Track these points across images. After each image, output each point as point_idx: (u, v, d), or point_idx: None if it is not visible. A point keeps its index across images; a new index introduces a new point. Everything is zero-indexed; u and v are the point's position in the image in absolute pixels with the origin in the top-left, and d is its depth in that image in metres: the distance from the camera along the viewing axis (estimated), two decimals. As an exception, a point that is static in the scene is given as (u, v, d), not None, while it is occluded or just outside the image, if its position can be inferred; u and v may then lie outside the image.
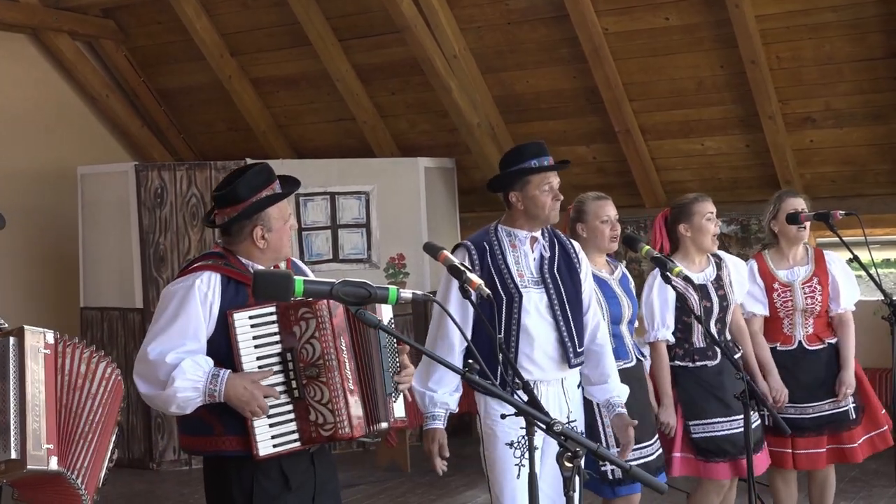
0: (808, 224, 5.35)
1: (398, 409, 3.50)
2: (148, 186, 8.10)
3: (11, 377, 2.90)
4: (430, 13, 8.01)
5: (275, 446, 3.33)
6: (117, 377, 3.18)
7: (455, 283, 3.77)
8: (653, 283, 5.01)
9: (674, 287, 4.77)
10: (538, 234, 4.35)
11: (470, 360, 2.88)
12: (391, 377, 3.46)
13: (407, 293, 2.91)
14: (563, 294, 4.31)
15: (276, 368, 3.36)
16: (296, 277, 2.88)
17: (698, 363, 5.03)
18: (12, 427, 2.85)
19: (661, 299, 4.98)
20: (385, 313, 3.42)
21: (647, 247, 4.64)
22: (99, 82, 9.66)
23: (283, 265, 3.63)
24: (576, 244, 4.49)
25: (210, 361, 3.36)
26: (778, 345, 5.32)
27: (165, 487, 7.66)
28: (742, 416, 4.98)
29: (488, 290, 3.47)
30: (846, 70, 7.41)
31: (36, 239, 8.91)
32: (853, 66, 7.38)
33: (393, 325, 3.31)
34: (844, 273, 5.39)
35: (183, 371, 3.27)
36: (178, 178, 8.15)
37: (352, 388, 3.35)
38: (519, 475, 4.13)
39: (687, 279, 4.81)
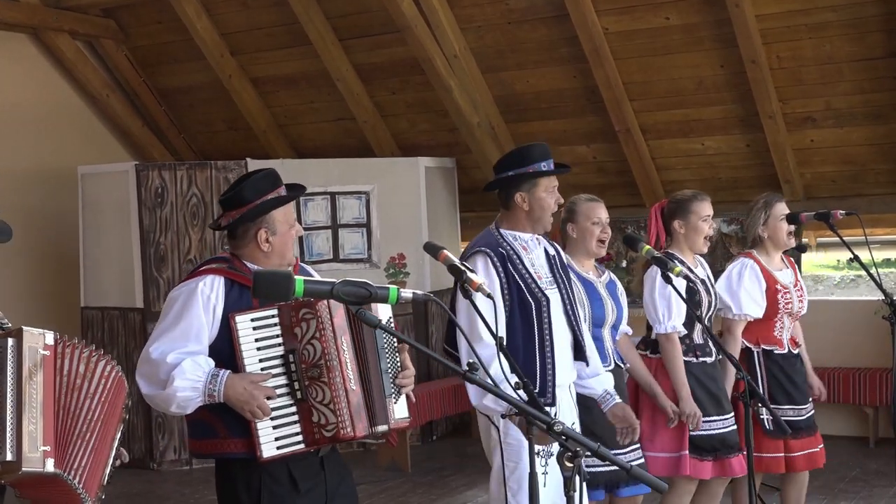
0: (794, 229, 5.37)
1: (400, 410, 3.47)
2: (148, 186, 8.10)
3: (9, 378, 2.89)
4: (431, 13, 8.01)
5: (279, 448, 3.32)
6: (117, 374, 3.17)
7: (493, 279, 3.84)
8: (656, 275, 4.95)
9: (666, 280, 4.74)
10: (540, 235, 4.34)
11: (471, 360, 2.87)
12: (390, 378, 3.45)
13: (407, 293, 2.91)
14: (571, 292, 4.31)
15: (278, 370, 3.35)
16: (296, 277, 2.88)
17: (700, 359, 5.03)
18: (8, 429, 2.85)
19: (671, 290, 4.94)
20: (383, 313, 3.41)
21: (648, 247, 4.63)
22: (99, 82, 9.66)
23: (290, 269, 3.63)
24: (554, 243, 4.49)
25: (211, 362, 3.37)
26: (775, 348, 5.31)
27: (165, 487, 7.66)
28: (731, 416, 5.01)
29: (489, 290, 3.46)
30: (846, 70, 7.41)
31: (36, 239, 8.92)
32: (853, 66, 7.38)
33: (392, 325, 3.31)
34: (807, 281, 5.48)
35: (183, 371, 3.29)
36: (178, 178, 8.15)
37: (353, 388, 3.34)
38: (545, 484, 4.07)
39: (688, 276, 4.81)
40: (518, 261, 4.19)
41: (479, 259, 4.16)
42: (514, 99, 8.54)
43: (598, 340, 4.66)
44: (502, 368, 3.33)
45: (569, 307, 4.28)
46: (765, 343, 5.29)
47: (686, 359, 5.00)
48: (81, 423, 3.02)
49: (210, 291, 3.40)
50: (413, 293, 2.91)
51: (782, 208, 5.33)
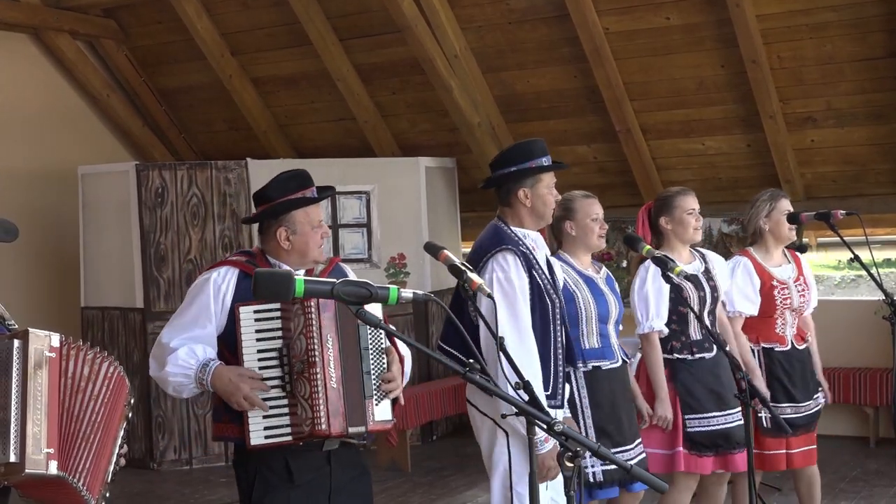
0: (794, 228, 5.38)
1: (381, 413, 3.48)
2: (149, 186, 8.10)
3: (14, 380, 2.89)
4: (431, 13, 8.01)
5: (266, 437, 3.41)
6: (119, 374, 3.18)
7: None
8: (645, 274, 4.99)
9: (666, 279, 4.76)
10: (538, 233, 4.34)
11: (471, 360, 2.86)
12: (373, 379, 3.46)
13: (407, 293, 2.91)
14: (559, 295, 4.30)
15: (273, 362, 3.44)
16: (297, 277, 2.88)
17: (697, 355, 5.02)
18: (12, 430, 2.85)
19: (655, 289, 4.96)
20: (374, 310, 3.42)
21: (648, 246, 4.64)
22: (100, 82, 9.66)
23: (319, 267, 3.72)
24: None
25: (210, 350, 3.50)
26: (776, 345, 5.31)
27: (165, 487, 7.66)
28: (736, 411, 5.01)
29: (489, 290, 3.46)
30: (847, 69, 7.41)
31: (36, 239, 8.92)
32: (854, 66, 7.38)
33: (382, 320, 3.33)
34: (812, 274, 5.50)
35: (177, 357, 3.47)
36: (178, 178, 8.15)
37: (334, 386, 3.37)
38: (548, 487, 4.07)
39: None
40: (534, 261, 4.18)
41: (510, 256, 4.11)
42: (515, 99, 8.54)
43: (603, 337, 4.68)
44: (502, 368, 3.33)
45: (563, 308, 4.29)
46: (765, 341, 5.30)
47: (681, 356, 5.00)
48: (85, 425, 3.03)
49: (222, 282, 3.56)
50: (413, 293, 2.92)
51: (787, 204, 5.36)
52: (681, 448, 4.95)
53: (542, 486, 3.94)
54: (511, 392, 2.95)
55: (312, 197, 3.68)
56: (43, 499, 3.04)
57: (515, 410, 2.78)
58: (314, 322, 3.37)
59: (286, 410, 3.41)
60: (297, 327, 3.39)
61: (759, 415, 5.13)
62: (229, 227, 8.20)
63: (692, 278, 5.02)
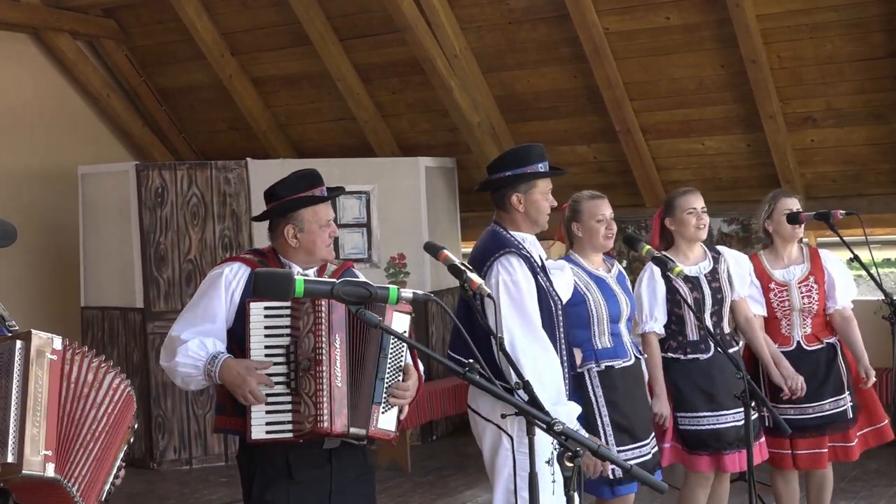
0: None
1: (385, 421, 3.50)
2: (148, 186, 8.10)
3: (15, 381, 2.88)
4: (431, 13, 8.01)
5: (267, 433, 3.44)
6: (126, 388, 3.16)
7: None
8: (643, 276, 5.05)
9: (666, 280, 4.78)
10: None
11: (470, 360, 2.87)
12: (384, 387, 3.47)
13: (407, 293, 2.93)
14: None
15: (280, 359, 3.46)
16: (297, 277, 2.90)
17: (690, 356, 5.04)
18: (11, 430, 2.84)
19: (649, 292, 5.02)
20: (400, 325, 3.43)
21: (648, 246, 4.66)
22: (100, 82, 9.66)
23: (330, 268, 3.76)
24: None
25: (219, 344, 3.56)
26: (779, 346, 5.31)
27: (165, 487, 7.66)
28: (731, 412, 5.02)
29: (489, 290, 3.46)
30: (847, 69, 7.41)
31: (36, 239, 8.92)
32: (854, 66, 7.38)
33: (407, 335, 3.34)
34: (841, 270, 5.40)
35: (187, 349, 3.53)
36: (178, 178, 8.15)
37: (339, 385, 3.39)
38: (554, 492, 4.02)
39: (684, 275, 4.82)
40: (535, 264, 4.18)
41: (514, 259, 4.13)
42: (515, 99, 8.54)
43: (615, 336, 4.70)
44: (502, 368, 3.33)
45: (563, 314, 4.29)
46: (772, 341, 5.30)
47: (675, 356, 5.03)
48: (85, 432, 3.01)
49: (233, 277, 3.63)
50: (413, 293, 2.93)
51: (789, 203, 5.34)
52: (668, 444, 5.00)
53: (548, 493, 3.90)
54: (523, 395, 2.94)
55: (321, 195, 3.72)
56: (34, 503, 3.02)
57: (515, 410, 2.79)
58: (323, 321, 3.38)
59: (289, 407, 3.43)
60: (305, 325, 3.41)
61: (762, 414, 5.12)
62: (229, 226, 8.20)
63: (691, 280, 5.03)
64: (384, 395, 3.47)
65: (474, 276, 3.44)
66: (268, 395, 3.44)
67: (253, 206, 8.03)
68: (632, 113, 8.10)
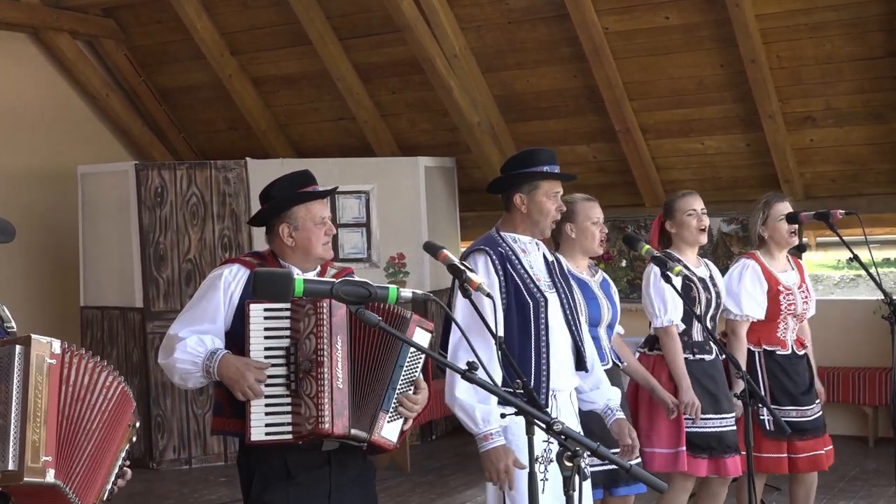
0: (796, 228, 5.36)
1: (390, 431, 3.50)
2: (148, 186, 8.10)
3: (14, 386, 2.87)
4: (431, 12, 8.01)
5: (267, 434, 3.42)
6: (120, 385, 3.14)
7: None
8: (649, 274, 5.02)
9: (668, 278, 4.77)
10: (538, 240, 4.32)
11: (470, 360, 2.87)
12: (394, 396, 3.47)
13: (407, 293, 2.92)
14: (571, 298, 4.27)
15: (280, 361, 3.44)
16: (296, 277, 2.89)
17: (697, 356, 5.04)
18: (11, 437, 2.83)
19: (658, 288, 4.97)
20: (422, 341, 3.43)
21: (648, 246, 4.65)
22: (99, 81, 9.66)
23: (331, 271, 3.77)
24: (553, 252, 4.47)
25: (218, 342, 3.54)
26: (778, 349, 5.31)
27: (165, 487, 7.66)
28: (731, 416, 5.02)
29: (488, 290, 3.46)
30: (846, 69, 7.41)
31: (36, 238, 8.92)
32: (853, 66, 7.38)
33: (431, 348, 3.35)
34: (812, 282, 5.50)
35: (185, 345, 3.51)
36: (178, 178, 8.15)
37: (340, 386, 3.38)
38: (544, 490, 4.00)
39: (686, 274, 4.82)
40: (517, 261, 4.16)
41: (479, 257, 4.14)
42: (514, 99, 8.54)
43: (595, 340, 4.66)
44: (503, 368, 3.32)
45: (569, 313, 4.22)
46: (767, 343, 5.29)
47: (683, 356, 5.01)
48: (82, 432, 3.01)
49: (232, 279, 3.62)
50: (413, 293, 2.93)
51: (782, 208, 5.33)
52: (684, 448, 4.96)
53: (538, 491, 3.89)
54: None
55: (312, 192, 3.72)
56: None
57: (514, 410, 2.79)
58: (325, 322, 3.37)
59: (289, 409, 3.42)
60: (307, 327, 3.40)
61: (761, 417, 5.12)
62: (228, 226, 8.21)
63: (702, 280, 5.04)
64: (394, 404, 3.47)
65: (474, 276, 3.44)
66: (267, 396, 3.42)
67: (252, 206, 8.03)
68: (631, 113, 8.10)
